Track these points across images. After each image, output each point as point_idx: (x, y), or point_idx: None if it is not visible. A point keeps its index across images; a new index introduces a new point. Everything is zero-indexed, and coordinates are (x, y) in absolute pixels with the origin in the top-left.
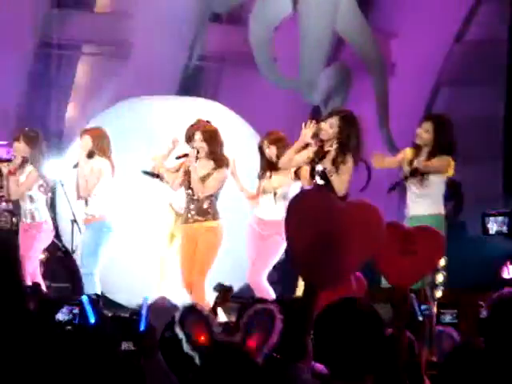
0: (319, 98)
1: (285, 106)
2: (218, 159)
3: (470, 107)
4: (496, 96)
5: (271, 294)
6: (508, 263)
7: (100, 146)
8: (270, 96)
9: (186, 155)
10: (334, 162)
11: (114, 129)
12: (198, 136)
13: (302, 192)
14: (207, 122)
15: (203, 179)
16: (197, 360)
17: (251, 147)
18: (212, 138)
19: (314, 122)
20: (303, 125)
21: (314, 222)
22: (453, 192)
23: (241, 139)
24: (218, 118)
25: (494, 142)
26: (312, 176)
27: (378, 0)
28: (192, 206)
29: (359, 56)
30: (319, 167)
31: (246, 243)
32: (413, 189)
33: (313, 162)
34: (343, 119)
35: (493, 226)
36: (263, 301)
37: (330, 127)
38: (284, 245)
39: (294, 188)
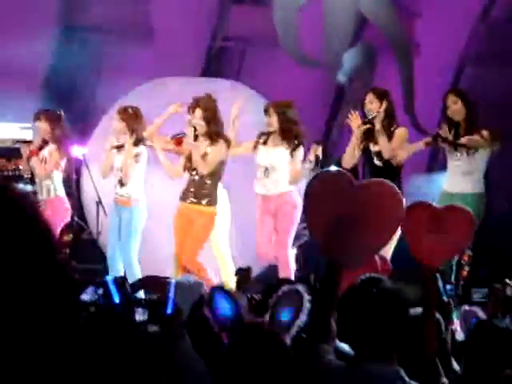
0: (344, 77)
1: (310, 85)
2: (217, 137)
3: (494, 87)
4: None
5: (293, 271)
6: None
7: (140, 131)
8: (295, 76)
9: (183, 135)
10: (385, 129)
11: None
12: (198, 113)
13: (319, 175)
14: (209, 96)
15: (204, 156)
16: (225, 340)
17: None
18: (212, 117)
19: (356, 114)
20: (349, 120)
21: (333, 204)
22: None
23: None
24: (241, 99)
25: None
26: (369, 158)
27: None
28: (192, 188)
29: (384, 36)
30: (374, 147)
31: (259, 224)
32: (457, 164)
33: (365, 142)
34: (375, 92)
35: None
36: (290, 281)
37: (370, 103)
38: (297, 212)
39: (284, 160)
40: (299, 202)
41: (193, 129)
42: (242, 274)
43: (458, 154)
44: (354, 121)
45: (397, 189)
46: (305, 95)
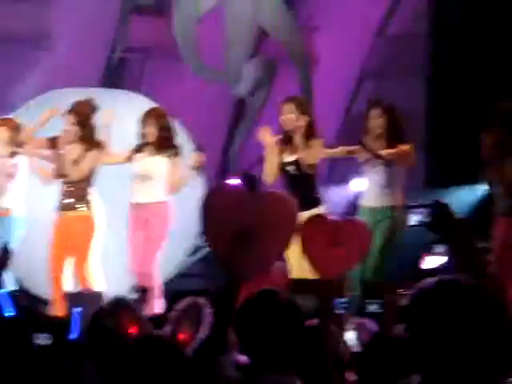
0: (244, 89)
1: (211, 97)
2: (90, 142)
3: (392, 100)
4: (417, 89)
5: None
6: (424, 254)
7: (18, 138)
8: (195, 88)
9: (55, 138)
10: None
11: (37, 121)
12: (70, 118)
13: (215, 188)
14: (86, 101)
15: (76, 162)
16: (126, 352)
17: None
18: (85, 122)
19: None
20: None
21: (230, 216)
22: None
23: None
24: (141, 110)
25: (416, 134)
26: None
27: None
28: (64, 195)
29: (284, 49)
30: (289, 158)
31: (129, 232)
32: (376, 178)
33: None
34: (294, 102)
35: (415, 217)
36: (193, 294)
37: (289, 113)
38: (170, 225)
39: (160, 169)
40: (173, 214)
41: (66, 133)
42: (141, 292)
43: (377, 167)
44: (266, 135)
45: (292, 199)
46: (205, 107)
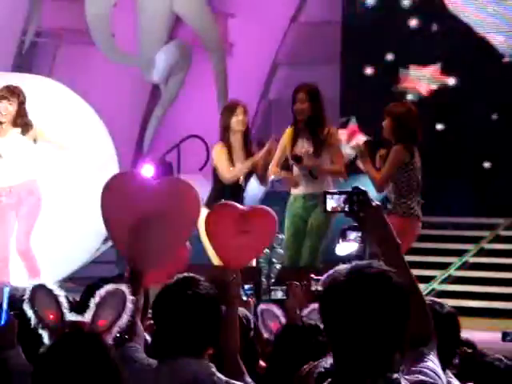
0: (158, 75)
1: (125, 83)
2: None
3: None
4: (332, 77)
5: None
6: (340, 240)
7: None
8: (109, 73)
9: None
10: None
11: None
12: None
13: (114, 175)
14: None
15: None
16: (46, 339)
17: (87, 124)
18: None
19: None
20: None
21: (129, 204)
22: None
23: (77, 116)
24: (53, 95)
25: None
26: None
27: None
28: None
29: (198, 35)
30: None
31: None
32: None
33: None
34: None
35: (333, 203)
36: (106, 281)
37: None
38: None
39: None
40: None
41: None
42: None
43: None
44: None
45: (192, 186)
46: (120, 93)
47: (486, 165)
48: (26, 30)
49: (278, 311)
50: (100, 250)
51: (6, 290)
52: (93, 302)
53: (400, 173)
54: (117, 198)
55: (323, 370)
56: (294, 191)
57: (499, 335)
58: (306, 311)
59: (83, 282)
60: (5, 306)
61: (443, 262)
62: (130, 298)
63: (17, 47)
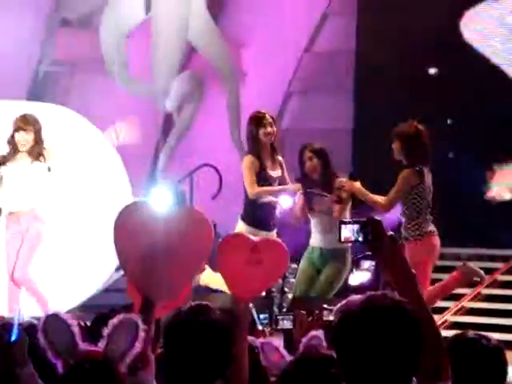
0: (172, 104)
1: (139, 112)
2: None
3: (320, 118)
4: (345, 107)
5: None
6: (353, 269)
7: None
8: (123, 103)
9: None
10: None
11: None
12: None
13: (125, 206)
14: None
15: None
16: (60, 369)
17: (101, 152)
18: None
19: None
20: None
21: (141, 236)
22: None
23: (91, 145)
24: (68, 124)
25: (344, 153)
26: None
27: (229, 10)
28: None
29: (211, 65)
30: None
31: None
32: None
33: None
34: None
35: (347, 233)
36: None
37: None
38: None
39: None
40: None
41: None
42: None
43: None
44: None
45: (205, 216)
46: (133, 121)
47: None
48: (41, 59)
49: (276, 343)
50: (112, 278)
51: (18, 309)
52: (105, 331)
53: (408, 197)
54: (129, 229)
55: None
56: (313, 242)
57: None
58: (304, 340)
59: (94, 311)
60: (16, 322)
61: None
62: (142, 327)
63: (31, 76)
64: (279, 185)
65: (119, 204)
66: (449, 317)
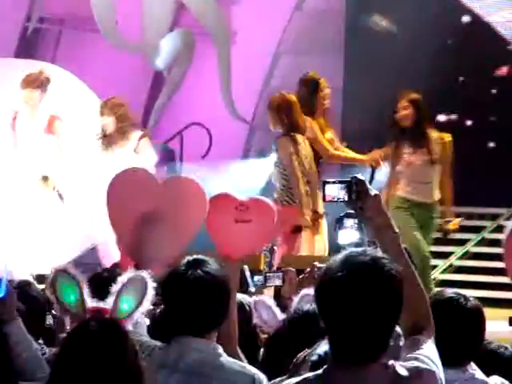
0: (163, 62)
1: (127, 70)
2: None
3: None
4: (335, 67)
5: None
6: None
7: None
8: (112, 61)
9: None
10: None
11: None
12: None
13: (120, 173)
14: None
15: None
16: (67, 324)
17: (92, 112)
18: None
19: None
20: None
21: (136, 203)
22: None
23: (81, 103)
24: (57, 81)
25: (333, 111)
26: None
27: None
28: None
29: (201, 23)
30: None
31: None
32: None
33: None
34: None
35: (332, 192)
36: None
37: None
38: None
39: None
40: None
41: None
42: None
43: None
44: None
45: (199, 184)
46: (123, 80)
47: None
48: (29, 16)
49: (270, 301)
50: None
51: (5, 264)
52: (114, 288)
53: None
54: (121, 196)
55: (318, 357)
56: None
57: (505, 323)
58: (296, 298)
59: (87, 268)
60: (4, 277)
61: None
62: (151, 284)
63: (20, 33)
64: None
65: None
66: (437, 275)
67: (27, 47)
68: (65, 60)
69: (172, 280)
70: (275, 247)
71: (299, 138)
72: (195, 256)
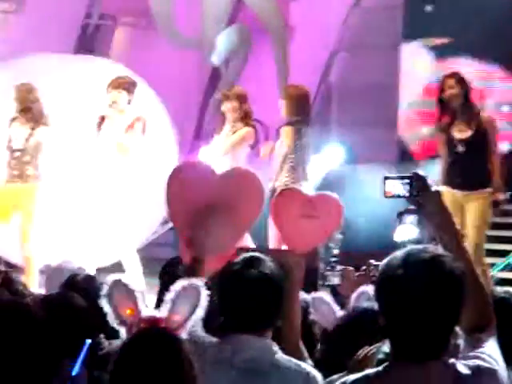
0: (219, 58)
1: (184, 65)
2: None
3: (367, 73)
4: (391, 63)
5: None
6: (397, 224)
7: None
8: (169, 56)
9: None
10: None
11: (6, 85)
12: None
13: (180, 164)
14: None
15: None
16: (123, 334)
17: (149, 106)
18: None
19: None
20: None
21: (194, 193)
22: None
23: (139, 99)
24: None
25: (390, 108)
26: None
27: None
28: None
29: (259, 19)
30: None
31: None
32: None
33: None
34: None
35: (392, 188)
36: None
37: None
38: None
39: None
40: None
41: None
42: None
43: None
44: None
45: (257, 176)
46: (179, 75)
47: None
48: (89, 13)
49: (327, 298)
50: (158, 232)
51: (87, 344)
52: (168, 296)
53: None
54: (180, 188)
55: (385, 355)
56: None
57: None
58: (354, 295)
59: (141, 263)
60: (80, 357)
61: None
62: (204, 292)
63: (79, 30)
64: None
65: (165, 158)
66: (495, 273)
67: (86, 43)
68: (121, 56)
69: (228, 277)
70: (330, 244)
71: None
72: (251, 253)
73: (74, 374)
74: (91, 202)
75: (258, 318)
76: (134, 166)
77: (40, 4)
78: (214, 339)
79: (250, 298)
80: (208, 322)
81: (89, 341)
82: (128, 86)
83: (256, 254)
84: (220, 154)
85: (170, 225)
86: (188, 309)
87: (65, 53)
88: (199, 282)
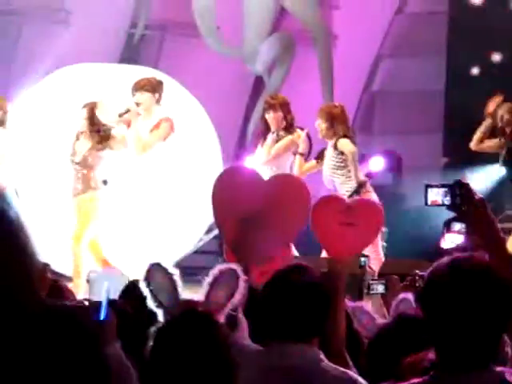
0: (262, 66)
1: (229, 74)
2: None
3: (410, 80)
4: (437, 69)
5: None
6: (445, 231)
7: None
8: (213, 65)
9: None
10: None
11: (54, 96)
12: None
13: (225, 171)
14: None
15: None
16: (160, 317)
17: (194, 116)
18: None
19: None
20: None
21: (238, 201)
22: (393, 164)
23: (184, 109)
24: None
25: (434, 115)
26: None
27: None
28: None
29: (303, 27)
30: None
31: None
32: None
33: None
34: None
35: (434, 196)
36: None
37: None
38: None
39: None
40: None
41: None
42: None
43: None
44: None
45: (303, 181)
46: (223, 85)
47: None
48: (135, 23)
49: (367, 307)
50: (202, 240)
51: (106, 286)
52: (206, 280)
53: None
54: (227, 194)
55: (429, 363)
56: None
57: None
58: (394, 302)
59: (185, 272)
60: (104, 301)
61: None
62: (242, 276)
63: (126, 40)
64: None
65: (209, 166)
66: None
67: (131, 53)
68: (167, 66)
69: (276, 285)
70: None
71: None
72: (296, 262)
73: (101, 318)
74: (137, 211)
75: (305, 325)
76: (179, 175)
77: (85, 15)
78: (260, 347)
79: (298, 305)
80: (254, 331)
81: (106, 283)
82: (150, 86)
83: (302, 262)
84: (264, 162)
85: (215, 232)
86: (226, 292)
87: (110, 63)
88: (237, 265)
